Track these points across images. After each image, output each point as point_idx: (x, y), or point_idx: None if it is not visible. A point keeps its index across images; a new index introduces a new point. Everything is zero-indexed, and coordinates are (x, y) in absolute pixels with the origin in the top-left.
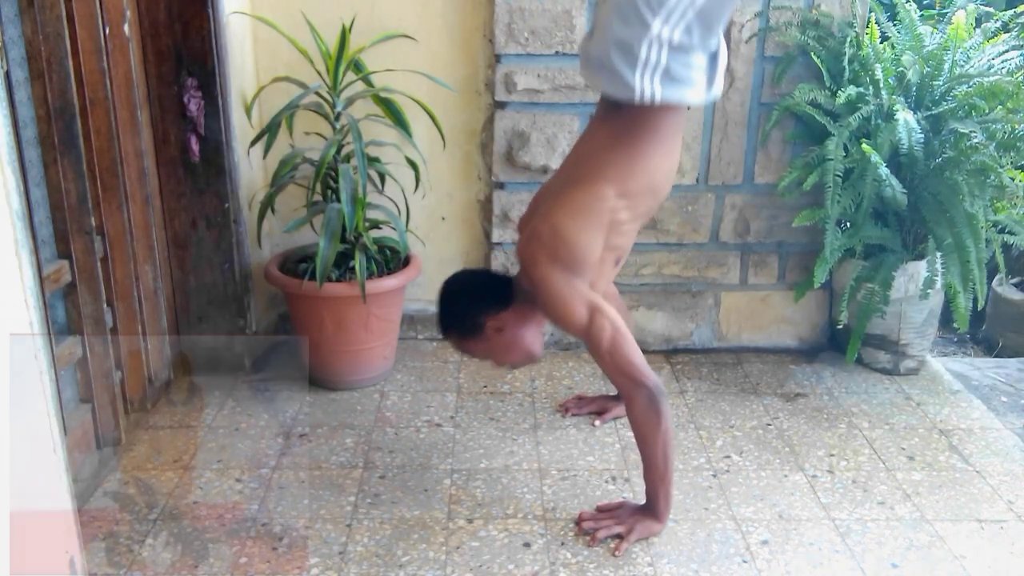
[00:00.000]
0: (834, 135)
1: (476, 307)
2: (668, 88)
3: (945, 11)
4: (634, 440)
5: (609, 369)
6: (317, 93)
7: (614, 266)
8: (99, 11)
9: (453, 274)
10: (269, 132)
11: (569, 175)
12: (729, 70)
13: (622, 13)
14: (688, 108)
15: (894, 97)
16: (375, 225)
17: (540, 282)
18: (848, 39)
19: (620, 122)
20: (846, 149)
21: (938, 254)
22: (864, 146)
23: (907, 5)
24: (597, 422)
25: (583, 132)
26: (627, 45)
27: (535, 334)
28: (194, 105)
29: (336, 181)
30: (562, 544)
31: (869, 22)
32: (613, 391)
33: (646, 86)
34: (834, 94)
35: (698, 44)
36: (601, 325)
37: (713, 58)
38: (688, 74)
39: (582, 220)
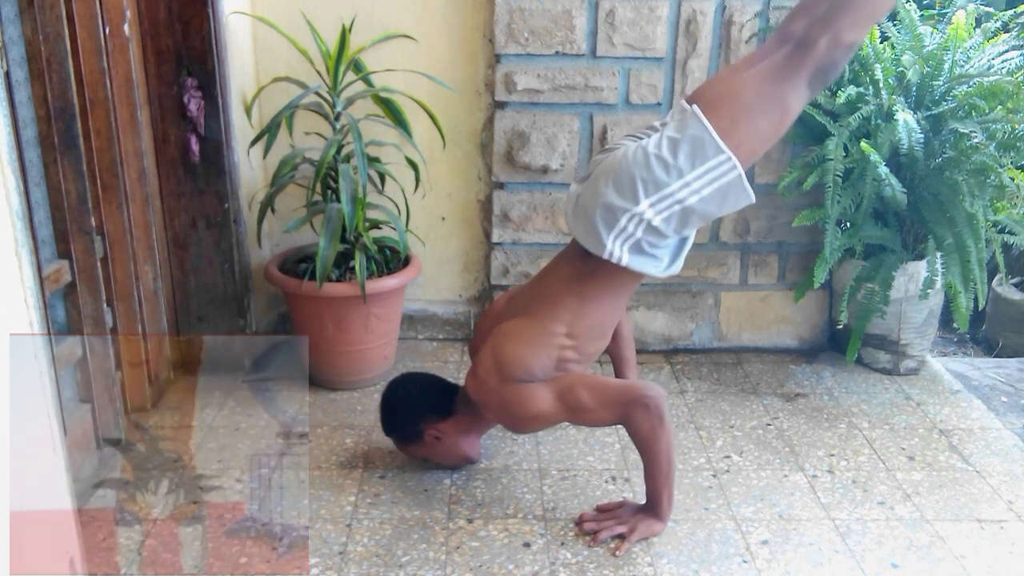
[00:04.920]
0: (834, 135)
1: (416, 415)
2: (634, 257)
3: (945, 11)
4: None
5: (605, 416)
6: (317, 93)
7: None
8: (99, 11)
9: (399, 376)
10: (269, 132)
11: (523, 307)
12: None
13: (618, 181)
14: (643, 279)
15: (894, 97)
16: (375, 225)
17: (499, 408)
18: None
19: (585, 266)
20: (846, 149)
21: (938, 254)
22: (864, 146)
23: (907, 5)
24: None
25: (549, 264)
26: (612, 211)
27: (473, 441)
28: (194, 105)
29: (336, 181)
30: (562, 544)
31: None
32: None
33: (615, 249)
34: (834, 94)
35: (671, 235)
36: (572, 396)
37: (682, 241)
38: (655, 252)
39: (527, 346)
